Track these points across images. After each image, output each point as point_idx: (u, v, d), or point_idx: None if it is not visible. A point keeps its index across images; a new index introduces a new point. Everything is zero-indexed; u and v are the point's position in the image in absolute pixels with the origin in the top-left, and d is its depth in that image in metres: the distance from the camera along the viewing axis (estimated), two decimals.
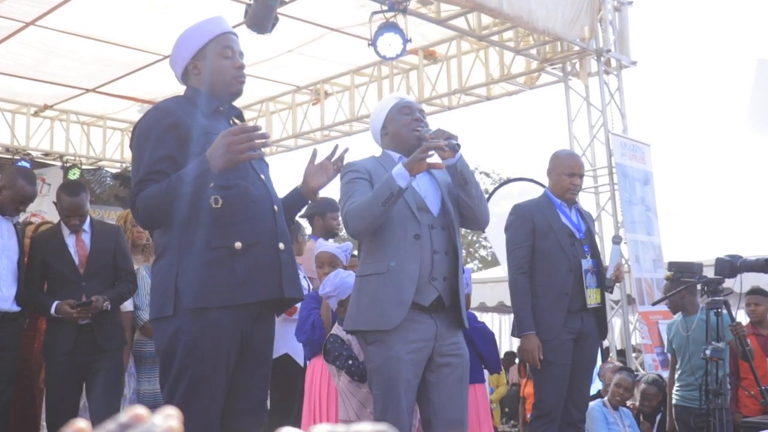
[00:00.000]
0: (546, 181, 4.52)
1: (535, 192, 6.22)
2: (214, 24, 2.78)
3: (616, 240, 4.44)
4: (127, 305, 4.80)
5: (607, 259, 4.33)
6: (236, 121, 2.82)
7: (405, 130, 3.27)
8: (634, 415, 6.16)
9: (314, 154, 2.97)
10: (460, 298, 3.21)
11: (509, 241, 4.26)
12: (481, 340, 4.15)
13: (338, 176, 3.01)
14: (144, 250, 5.23)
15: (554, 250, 4.12)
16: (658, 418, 6.15)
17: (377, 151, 3.48)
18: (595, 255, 4.27)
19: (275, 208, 2.73)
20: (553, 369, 4.04)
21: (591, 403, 5.67)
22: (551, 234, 4.14)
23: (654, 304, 6.93)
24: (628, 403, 6.41)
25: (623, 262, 7.67)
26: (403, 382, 3.05)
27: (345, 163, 3.18)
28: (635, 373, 7.40)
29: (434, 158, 3.04)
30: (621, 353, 8.18)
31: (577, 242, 4.17)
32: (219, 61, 2.72)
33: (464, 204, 3.25)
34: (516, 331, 4.15)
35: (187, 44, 2.76)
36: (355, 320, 3.17)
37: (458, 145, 3.09)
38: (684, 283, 5.47)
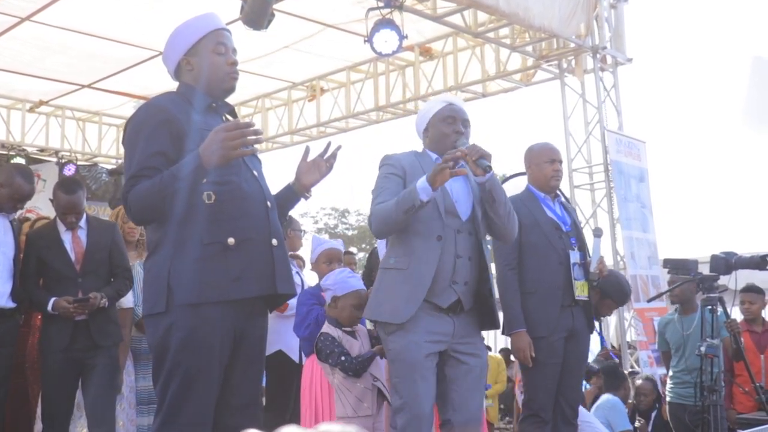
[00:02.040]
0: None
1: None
2: (206, 20, 2.78)
3: (597, 233, 4.37)
4: (127, 302, 4.77)
5: (590, 252, 4.28)
6: (229, 117, 2.82)
7: (445, 141, 3.31)
8: (630, 412, 6.17)
9: (307, 151, 2.97)
10: (489, 301, 3.28)
11: None
12: None
13: (330, 173, 3.00)
14: (137, 246, 5.22)
15: (542, 244, 4.09)
16: (653, 415, 6.16)
17: (372, 146, 3.49)
18: (582, 248, 4.24)
19: (268, 204, 2.72)
20: (544, 368, 4.01)
21: (610, 398, 5.70)
22: (537, 228, 4.11)
23: (649, 300, 6.94)
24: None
25: (619, 257, 7.73)
26: (421, 368, 3.11)
27: (384, 155, 3.34)
28: (631, 369, 7.42)
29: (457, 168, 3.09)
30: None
31: (564, 235, 4.14)
32: (212, 57, 2.72)
33: (491, 220, 3.33)
34: (506, 329, 4.10)
35: (179, 40, 2.75)
36: (373, 311, 3.29)
37: (489, 167, 3.14)
38: (680, 280, 5.48)
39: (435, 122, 3.39)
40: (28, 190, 4.42)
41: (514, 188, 4.68)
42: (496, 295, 3.59)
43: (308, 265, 5.15)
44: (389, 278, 3.25)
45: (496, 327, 3.39)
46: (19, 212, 4.77)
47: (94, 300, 4.25)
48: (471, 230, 3.27)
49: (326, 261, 4.63)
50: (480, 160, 3.12)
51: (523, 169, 4.46)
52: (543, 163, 4.25)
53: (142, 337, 4.89)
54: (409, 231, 3.20)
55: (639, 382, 6.35)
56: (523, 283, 4.08)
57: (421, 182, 3.03)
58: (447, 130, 3.35)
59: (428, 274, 3.14)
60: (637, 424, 6.10)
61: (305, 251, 6.25)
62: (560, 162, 4.32)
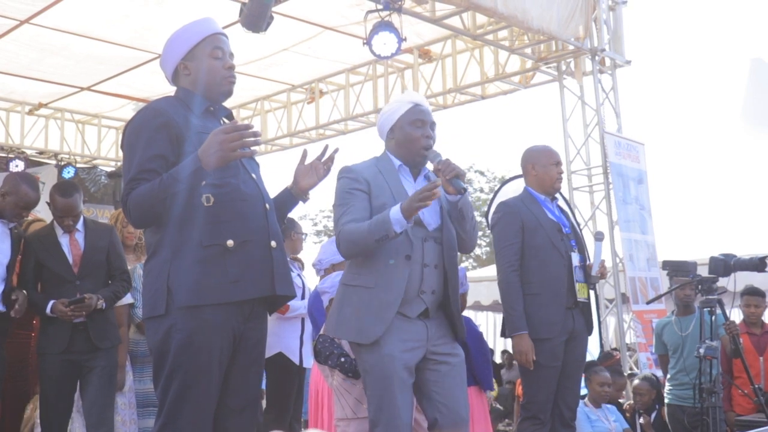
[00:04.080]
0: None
1: None
2: (203, 25, 2.80)
3: (599, 237, 4.38)
4: (124, 299, 4.77)
5: (591, 256, 4.28)
6: (226, 120, 2.83)
7: (413, 146, 3.17)
8: (630, 413, 6.17)
9: (304, 155, 2.98)
10: (452, 311, 3.19)
11: (499, 238, 4.20)
12: (478, 353, 4.11)
13: (328, 176, 3.00)
14: (135, 250, 5.23)
15: (546, 246, 4.08)
16: (653, 415, 6.16)
17: (371, 149, 3.45)
18: (581, 250, 4.25)
19: (267, 206, 2.74)
20: (544, 371, 4.01)
21: None
22: (540, 230, 4.10)
23: (649, 302, 6.94)
24: (626, 402, 6.42)
25: (618, 259, 7.73)
26: (397, 380, 3.02)
27: (343, 166, 3.18)
28: (630, 372, 7.43)
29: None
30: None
31: (564, 237, 4.15)
32: (209, 61, 2.74)
33: (457, 234, 3.25)
34: (508, 331, 4.08)
35: (176, 45, 2.77)
36: (336, 329, 3.18)
37: (464, 189, 3.04)
38: (678, 282, 5.49)
39: (402, 125, 3.21)
40: (34, 198, 4.40)
41: (515, 191, 4.67)
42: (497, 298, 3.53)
43: (307, 264, 5.14)
44: (354, 296, 3.11)
45: (459, 338, 3.26)
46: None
47: (90, 300, 4.24)
48: (438, 239, 3.17)
49: None
50: (455, 180, 3.02)
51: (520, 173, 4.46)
52: (549, 165, 4.25)
53: (140, 339, 4.89)
54: (376, 251, 3.07)
55: (636, 382, 6.36)
56: (526, 285, 4.06)
57: (395, 212, 2.90)
58: (416, 134, 3.17)
59: (398, 293, 3.04)
60: (641, 420, 6.09)
61: (305, 254, 6.25)
62: (561, 164, 4.36)
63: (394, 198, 3.09)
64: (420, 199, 2.84)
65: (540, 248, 4.08)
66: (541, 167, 4.26)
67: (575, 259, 4.14)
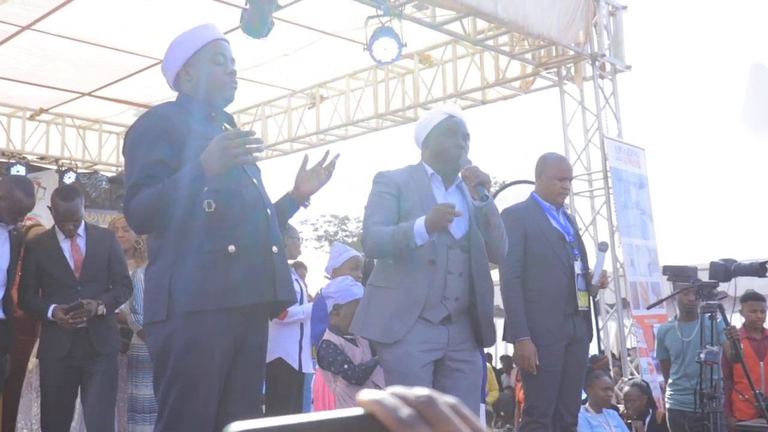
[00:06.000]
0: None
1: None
2: (205, 31, 2.80)
3: (603, 247, 4.44)
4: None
5: (593, 264, 4.31)
6: (227, 126, 2.84)
7: (446, 155, 3.29)
8: (625, 419, 6.16)
9: (305, 160, 2.98)
10: (478, 316, 3.25)
11: None
12: None
13: (330, 181, 3.00)
14: (135, 254, 5.23)
15: (548, 254, 4.10)
16: (647, 420, 6.16)
17: (372, 153, 3.49)
18: (584, 258, 4.27)
19: (268, 211, 2.74)
20: (545, 376, 4.02)
21: None
22: (543, 238, 4.12)
23: (649, 307, 6.94)
24: (621, 408, 6.42)
25: (618, 264, 7.74)
26: (416, 379, 3.08)
27: (378, 172, 3.32)
28: (631, 376, 7.42)
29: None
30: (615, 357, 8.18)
31: (567, 245, 4.17)
32: (211, 67, 2.74)
33: (485, 241, 3.33)
34: (510, 337, 4.11)
35: (178, 51, 2.78)
36: (362, 328, 3.28)
37: (486, 196, 3.15)
38: (679, 287, 5.48)
39: (435, 135, 3.35)
40: (28, 203, 4.38)
41: (515, 195, 4.69)
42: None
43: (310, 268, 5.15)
44: (379, 296, 3.24)
45: (483, 345, 3.35)
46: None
47: (88, 305, 4.24)
48: (464, 246, 3.26)
49: (353, 267, 4.75)
50: (478, 187, 3.14)
51: (523, 176, 4.48)
52: (554, 179, 4.27)
53: (143, 344, 4.90)
54: (401, 256, 3.18)
55: (626, 388, 6.35)
56: (527, 292, 4.08)
57: (419, 225, 3.02)
58: (448, 143, 3.30)
59: (420, 295, 3.14)
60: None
61: (303, 258, 6.27)
62: (570, 180, 4.37)
63: (422, 204, 3.20)
64: (444, 218, 2.99)
65: (541, 256, 4.10)
66: (547, 178, 4.29)
67: (577, 267, 4.16)
